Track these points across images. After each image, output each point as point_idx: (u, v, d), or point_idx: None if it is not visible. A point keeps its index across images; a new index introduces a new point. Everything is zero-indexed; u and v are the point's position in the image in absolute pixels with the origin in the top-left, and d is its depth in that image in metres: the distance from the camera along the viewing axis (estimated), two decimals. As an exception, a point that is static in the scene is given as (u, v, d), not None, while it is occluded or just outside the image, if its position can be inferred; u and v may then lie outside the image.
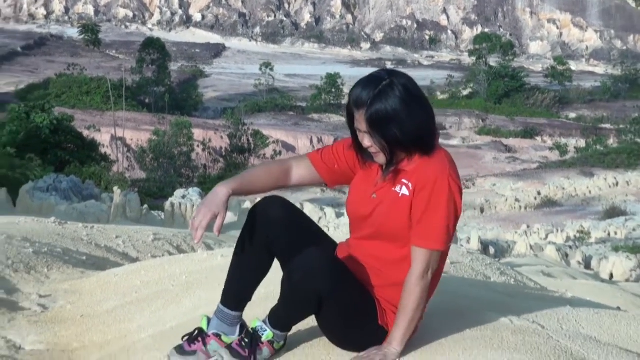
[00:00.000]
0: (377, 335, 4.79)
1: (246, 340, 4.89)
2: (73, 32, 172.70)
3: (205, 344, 4.93)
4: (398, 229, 4.69)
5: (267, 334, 4.86)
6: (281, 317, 4.86)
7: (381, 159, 4.69)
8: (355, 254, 4.88)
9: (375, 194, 4.76)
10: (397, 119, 4.53)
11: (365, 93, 4.57)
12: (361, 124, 4.61)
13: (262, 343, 4.88)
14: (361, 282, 4.82)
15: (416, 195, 4.61)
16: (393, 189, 4.70)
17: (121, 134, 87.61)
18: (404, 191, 4.65)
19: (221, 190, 4.80)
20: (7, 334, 6.36)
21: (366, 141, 4.65)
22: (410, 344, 4.83)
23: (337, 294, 4.66)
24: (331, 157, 4.97)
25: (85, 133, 67.25)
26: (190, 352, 4.96)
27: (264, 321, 4.91)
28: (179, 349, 4.99)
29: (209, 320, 5.01)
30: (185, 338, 5.02)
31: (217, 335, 4.93)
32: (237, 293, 5.00)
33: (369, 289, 4.81)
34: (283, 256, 4.95)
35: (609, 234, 62.32)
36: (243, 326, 5.01)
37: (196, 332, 5.01)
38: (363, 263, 4.83)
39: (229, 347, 4.91)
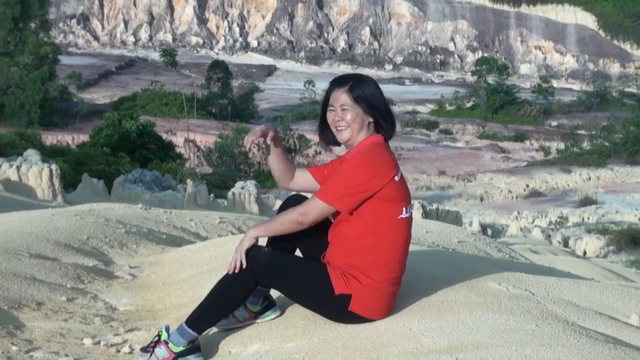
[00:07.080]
0: (340, 304, 4.53)
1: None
2: (155, 56, 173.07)
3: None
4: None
5: (163, 334, 4.64)
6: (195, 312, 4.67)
7: (346, 134, 4.60)
8: (330, 234, 4.70)
9: None
10: (375, 93, 4.54)
11: (347, 77, 4.59)
12: (339, 99, 4.54)
13: (160, 343, 4.62)
14: (315, 258, 4.70)
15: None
16: None
17: (192, 137, 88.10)
18: None
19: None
20: (106, 297, 6.42)
21: (337, 116, 4.57)
22: (426, 307, 4.83)
23: (274, 281, 4.61)
24: (321, 167, 4.89)
25: (164, 136, 67.47)
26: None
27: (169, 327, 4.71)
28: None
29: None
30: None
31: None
32: None
33: (332, 261, 4.60)
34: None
35: (583, 219, 62.17)
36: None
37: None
38: (334, 238, 4.65)
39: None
